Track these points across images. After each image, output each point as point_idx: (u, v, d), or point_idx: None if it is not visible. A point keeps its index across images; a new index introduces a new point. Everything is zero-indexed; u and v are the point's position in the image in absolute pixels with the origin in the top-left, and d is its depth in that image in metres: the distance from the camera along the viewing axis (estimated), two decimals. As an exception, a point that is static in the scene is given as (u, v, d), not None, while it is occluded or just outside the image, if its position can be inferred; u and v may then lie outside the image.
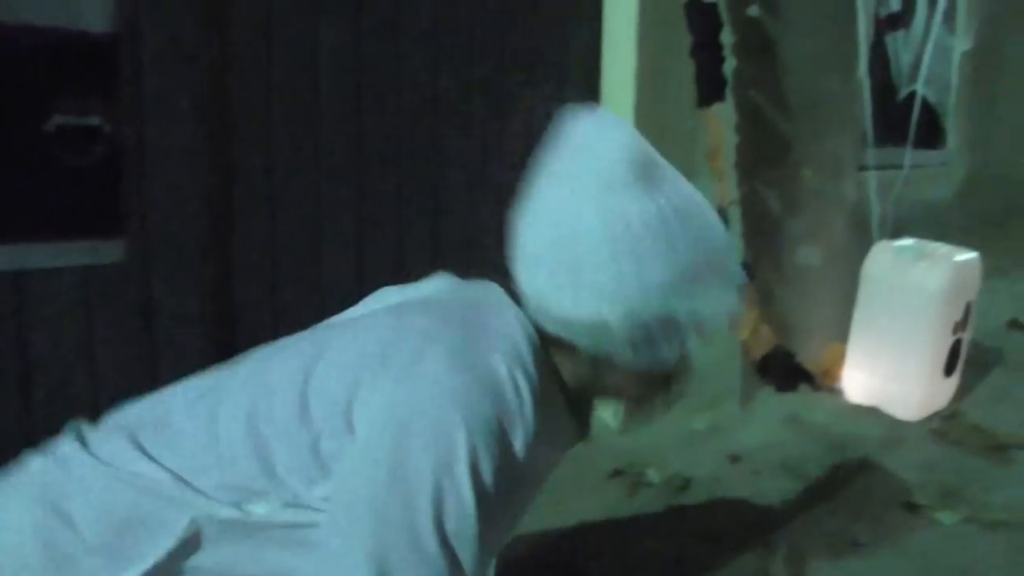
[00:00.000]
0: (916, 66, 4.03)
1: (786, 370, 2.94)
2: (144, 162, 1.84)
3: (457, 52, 2.35)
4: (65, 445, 1.01)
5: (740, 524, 2.17)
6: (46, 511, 0.94)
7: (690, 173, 1.34)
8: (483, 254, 2.21)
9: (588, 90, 2.59)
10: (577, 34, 2.57)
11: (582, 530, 2.08)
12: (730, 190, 2.63)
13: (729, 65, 2.65)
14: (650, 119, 2.55)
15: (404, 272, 1.27)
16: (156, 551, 0.93)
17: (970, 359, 3.53)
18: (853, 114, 3.52)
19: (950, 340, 2.85)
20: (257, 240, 2.06)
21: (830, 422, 2.83)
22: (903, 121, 3.93)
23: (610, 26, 2.58)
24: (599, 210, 0.88)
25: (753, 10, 2.78)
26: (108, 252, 1.83)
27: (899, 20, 3.82)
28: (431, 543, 0.85)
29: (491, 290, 1.05)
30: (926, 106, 4.18)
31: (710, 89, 2.48)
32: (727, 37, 2.63)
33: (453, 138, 2.38)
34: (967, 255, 2.92)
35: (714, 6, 2.53)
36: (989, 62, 4.98)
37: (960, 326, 2.89)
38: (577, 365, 1.00)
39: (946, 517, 2.23)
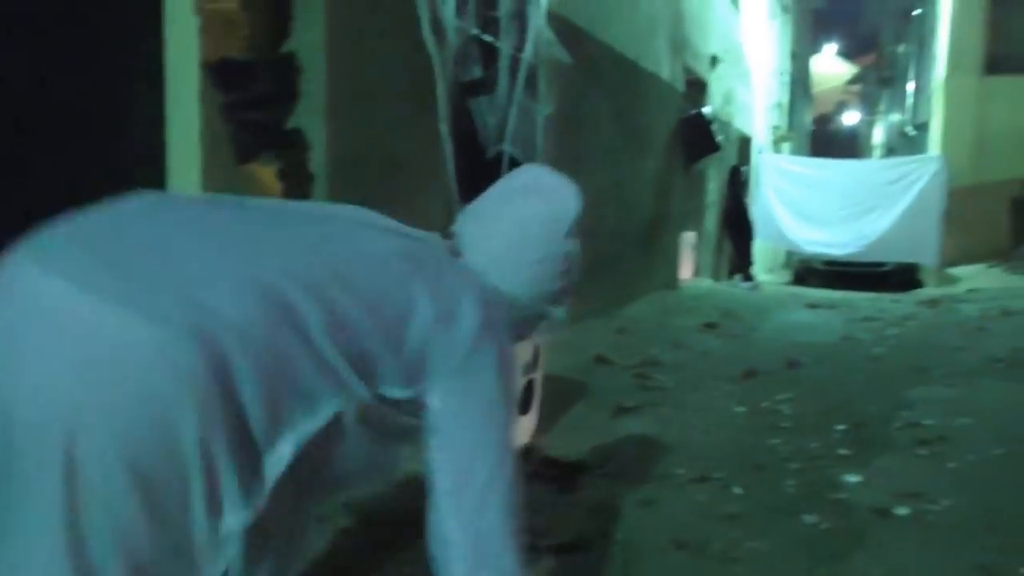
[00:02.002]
0: (502, 127, 4.38)
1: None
2: None
3: None
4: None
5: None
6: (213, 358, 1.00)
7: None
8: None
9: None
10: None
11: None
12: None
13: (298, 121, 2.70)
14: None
15: None
16: (308, 424, 1.10)
17: (557, 392, 3.86)
18: (439, 174, 3.73)
19: (522, 381, 3.07)
20: None
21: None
22: (493, 178, 4.24)
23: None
24: (546, 238, 1.40)
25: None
26: None
27: (481, 86, 4.12)
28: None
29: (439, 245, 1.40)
30: (514, 163, 4.56)
31: (251, 144, 2.47)
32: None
33: None
34: (534, 302, 3.18)
35: (250, 64, 2.54)
36: (569, 124, 5.57)
37: (531, 367, 3.13)
38: None
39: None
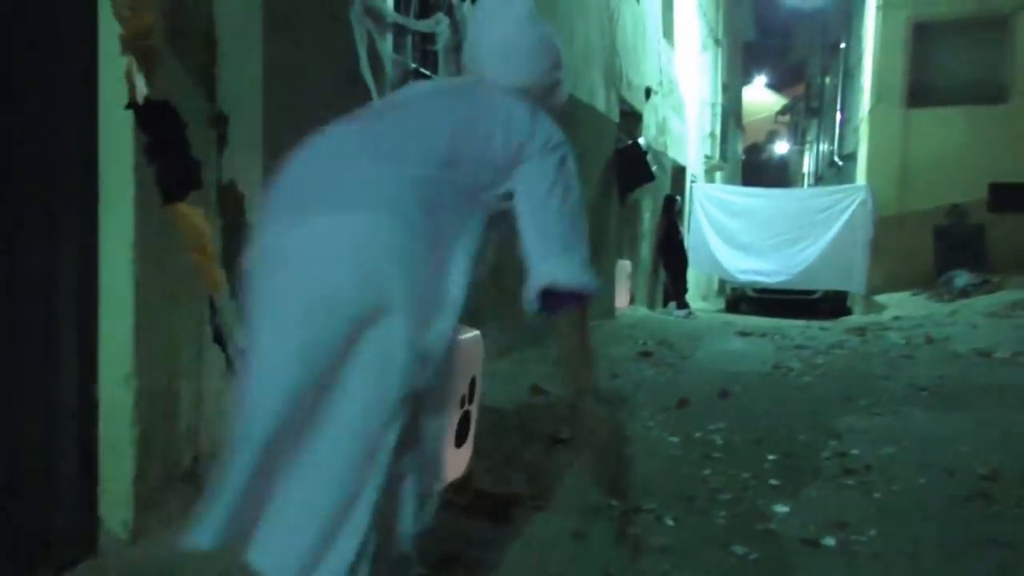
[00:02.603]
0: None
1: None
2: None
3: None
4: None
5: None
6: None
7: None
8: None
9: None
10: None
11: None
12: (221, 277, 2.62)
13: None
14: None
15: None
16: (469, 241, 1.66)
17: (493, 424, 3.85)
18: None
19: (458, 413, 3.05)
20: None
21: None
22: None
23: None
24: (529, 32, 1.87)
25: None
26: None
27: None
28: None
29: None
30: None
31: (175, 184, 2.42)
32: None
33: None
34: (471, 333, 3.16)
35: (164, 104, 2.50)
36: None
37: (468, 399, 3.11)
38: None
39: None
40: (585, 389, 1.75)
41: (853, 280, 12.24)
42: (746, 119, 36.50)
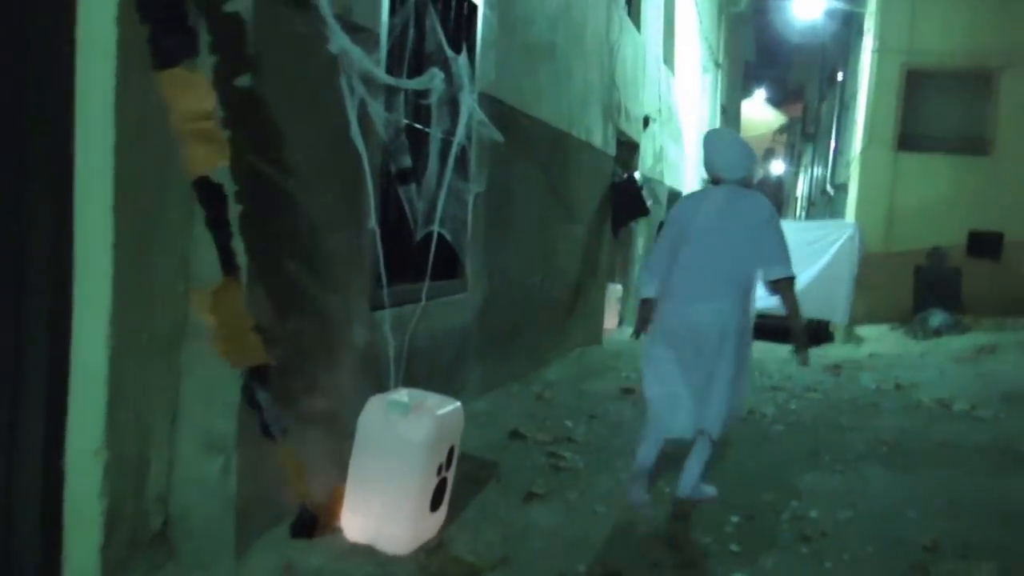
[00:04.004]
0: (432, 210, 4.56)
1: (300, 519, 3.12)
2: None
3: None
4: None
5: None
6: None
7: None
8: None
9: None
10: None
11: None
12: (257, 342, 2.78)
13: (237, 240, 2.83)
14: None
15: None
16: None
17: (467, 474, 4.03)
18: (365, 262, 3.90)
19: (435, 481, 3.25)
20: None
21: (325, 564, 3.05)
22: (422, 260, 4.42)
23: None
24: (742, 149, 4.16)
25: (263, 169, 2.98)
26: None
27: (411, 174, 4.31)
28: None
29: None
30: (444, 243, 4.74)
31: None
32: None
33: None
34: (450, 406, 3.36)
35: (221, 186, 2.69)
36: (502, 199, 5.80)
37: (444, 467, 3.32)
38: None
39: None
40: (795, 317, 3.96)
41: (836, 311, 12.50)
42: (745, 134, 36.61)
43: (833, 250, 12.50)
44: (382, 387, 3.83)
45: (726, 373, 3.84)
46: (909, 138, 14.82)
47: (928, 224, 14.21)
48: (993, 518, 4.09)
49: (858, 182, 15.52)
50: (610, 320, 10.03)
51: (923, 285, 13.71)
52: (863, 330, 13.34)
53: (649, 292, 4.12)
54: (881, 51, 15.01)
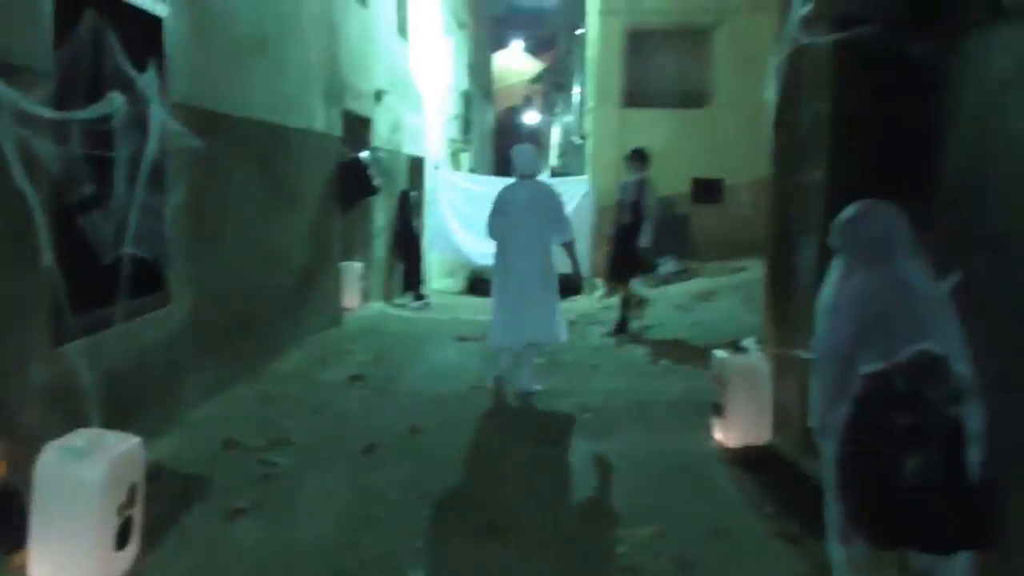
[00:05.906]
0: (122, 231, 4.48)
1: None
2: None
3: None
4: None
5: None
6: None
7: None
8: None
9: None
10: None
11: None
12: None
13: None
14: None
15: None
16: None
17: (174, 495, 4.12)
18: (44, 298, 3.84)
19: (117, 521, 3.32)
20: None
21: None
22: (115, 282, 4.36)
23: None
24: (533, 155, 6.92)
25: None
26: None
27: (91, 202, 4.23)
28: None
29: None
30: (142, 261, 4.66)
31: None
32: None
33: None
34: (129, 444, 3.44)
35: None
36: (212, 203, 5.78)
37: (127, 506, 3.39)
38: None
39: None
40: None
41: (578, 264, 13.41)
42: (502, 84, 37.53)
43: (571, 207, 13.35)
44: (80, 421, 3.80)
45: (548, 300, 6.38)
46: (634, 95, 16.06)
47: (656, 175, 15.49)
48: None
49: (592, 136, 16.60)
50: (351, 299, 10.19)
51: (659, 235, 14.94)
52: (600, 282, 14.39)
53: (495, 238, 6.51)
54: (605, 12, 15.99)
